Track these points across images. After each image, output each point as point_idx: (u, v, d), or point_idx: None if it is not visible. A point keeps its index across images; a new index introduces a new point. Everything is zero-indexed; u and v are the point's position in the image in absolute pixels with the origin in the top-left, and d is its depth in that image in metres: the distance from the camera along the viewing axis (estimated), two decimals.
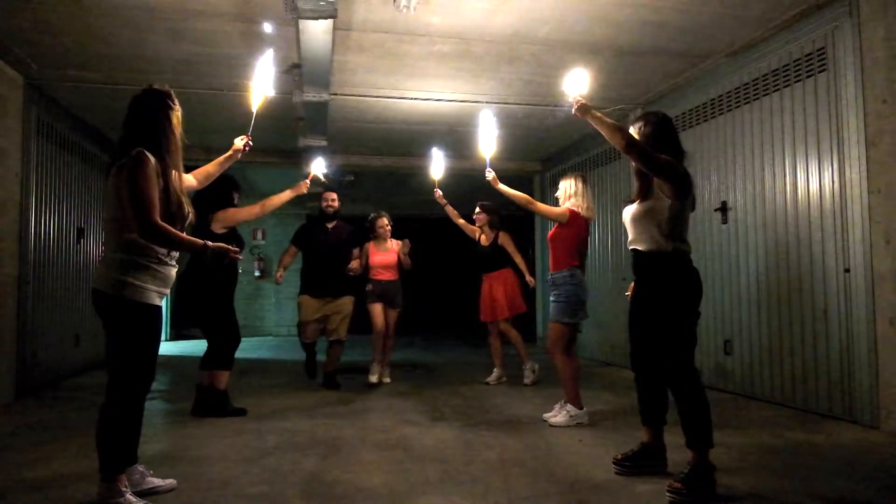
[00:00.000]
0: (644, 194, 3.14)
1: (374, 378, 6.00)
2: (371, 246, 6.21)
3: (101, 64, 5.47)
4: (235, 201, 4.79)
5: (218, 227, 4.58)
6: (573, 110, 3.17)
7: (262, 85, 3.54)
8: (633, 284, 3.34)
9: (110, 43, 5.03)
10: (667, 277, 3.05)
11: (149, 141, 2.74)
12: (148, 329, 2.77)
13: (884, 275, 4.00)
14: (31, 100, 5.76)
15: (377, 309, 6.09)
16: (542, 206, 4.83)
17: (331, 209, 6.03)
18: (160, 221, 2.65)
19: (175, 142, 2.85)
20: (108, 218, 2.80)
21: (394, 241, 6.24)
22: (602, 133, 3.06)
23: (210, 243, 2.77)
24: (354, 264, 5.98)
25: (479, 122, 4.85)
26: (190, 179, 3.20)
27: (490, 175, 4.75)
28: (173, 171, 2.83)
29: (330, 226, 6.04)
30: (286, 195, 4.63)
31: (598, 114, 3.08)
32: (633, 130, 3.18)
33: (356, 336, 6.14)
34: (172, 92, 2.90)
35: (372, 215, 6.30)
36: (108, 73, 5.68)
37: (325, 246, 5.91)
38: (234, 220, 4.70)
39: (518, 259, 6.24)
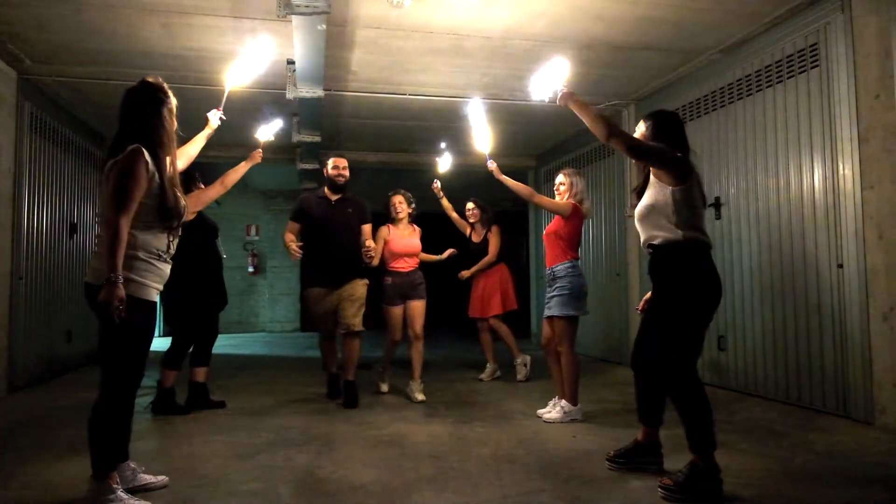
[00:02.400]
0: (646, 190, 3.07)
1: (384, 387, 5.47)
2: (389, 230, 5.30)
3: (95, 59, 5.45)
4: (194, 188, 4.61)
5: (188, 214, 4.51)
6: (558, 100, 3.12)
7: (242, 71, 3.61)
8: (645, 297, 3.29)
9: (104, 38, 5.01)
10: (680, 272, 2.91)
11: (143, 135, 2.73)
12: (144, 325, 2.76)
13: (877, 270, 4.01)
14: (25, 95, 5.72)
15: (397, 314, 5.24)
16: (545, 199, 4.80)
17: (342, 179, 5.10)
18: (124, 225, 2.58)
19: (169, 135, 2.83)
20: (103, 213, 2.78)
21: (414, 226, 5.45)
22: (584, 121, 3.01)
23: (114, 278, 2.50)
24: (370, 243, 4.90)
25: (470, 115, 4.83)
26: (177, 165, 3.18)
27: (492, 165, 4.75)
28: (169, 166, 2.82)
29: (334, 199, 5.10)
30: (242, 167, 4.27)
31: (582, 102, 3.02)
32: (638, 133, 3.15)
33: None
34: (166, 84, 2.86)
35: (389, 193, 5.47)
36: (102, 69, 5.66)
37: (329, 223, 4.98)
38: (200, 203, 4.57)
39: (490, 253, 6.15)
